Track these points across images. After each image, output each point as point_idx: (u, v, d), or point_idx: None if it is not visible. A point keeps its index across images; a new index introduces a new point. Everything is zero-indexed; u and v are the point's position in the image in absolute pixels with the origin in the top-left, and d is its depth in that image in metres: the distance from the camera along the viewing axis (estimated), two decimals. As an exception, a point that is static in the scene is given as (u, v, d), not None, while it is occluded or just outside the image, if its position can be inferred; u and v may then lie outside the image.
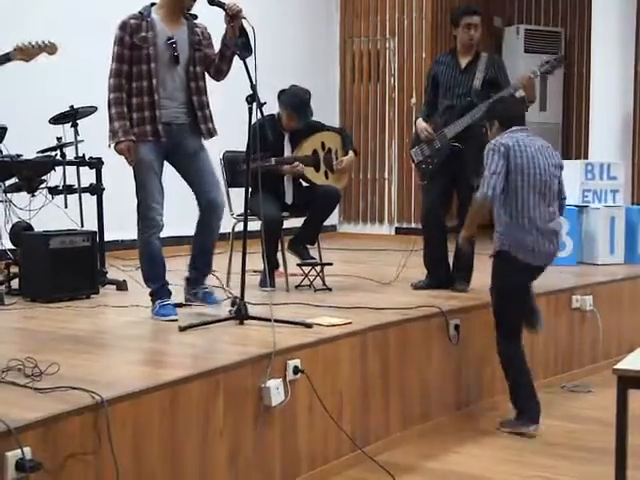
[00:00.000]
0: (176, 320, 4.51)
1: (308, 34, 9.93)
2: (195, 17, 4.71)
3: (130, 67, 4.51)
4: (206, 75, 4.72)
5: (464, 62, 5.71)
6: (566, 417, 5.03)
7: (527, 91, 5.71)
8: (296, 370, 3.84)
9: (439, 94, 5.77)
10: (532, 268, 4.78)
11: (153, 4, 4.63)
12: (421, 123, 5.77)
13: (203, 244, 4.75)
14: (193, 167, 4.63)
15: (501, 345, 4.82)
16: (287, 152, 5.92)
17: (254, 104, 4.32)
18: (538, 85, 5.89)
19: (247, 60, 4.35)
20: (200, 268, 4.79)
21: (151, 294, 4.74)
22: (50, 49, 3.91)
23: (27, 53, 3.87)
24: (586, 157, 8.97)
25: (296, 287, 5.77)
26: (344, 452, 4.16)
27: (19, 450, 2.62)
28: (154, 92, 4.50)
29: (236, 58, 4.56)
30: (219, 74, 4.71)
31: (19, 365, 3.33)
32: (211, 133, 4.69)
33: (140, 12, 4.58)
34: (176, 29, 4.59)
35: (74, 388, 3.03)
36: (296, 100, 5.85)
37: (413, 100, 9.85)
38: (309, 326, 4.29)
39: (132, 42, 4.50)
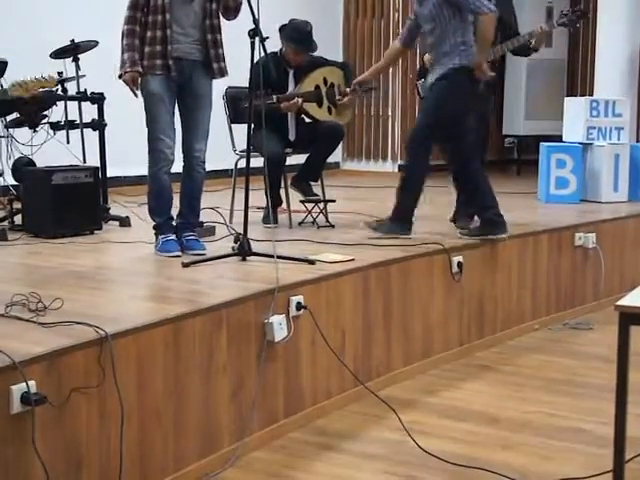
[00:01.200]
0: (179, 256, 4.51)
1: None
2: None
3: (146, 2, 4.46)
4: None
5: None
6: (568, 354, 5.06)
7: (537, 42, 5.72)
8: (299, 306, 3.85)
9: None
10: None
11: None
12: (428, 55, 5.72)
13: (188, 192, 4.72)
14: (192, 113, 4.60)
15: (464, 166, 5.10)
16: (291, 89, 5.87)
17: (256, 39, 4.26)
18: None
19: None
20: (185, 215, 4.76)
21: (155, 228, 4.74)
22: (48, 83, 3.90)
23: (26, 88, 3.87)
24: (591, 94, 8.89)
25: (299, 224, 5.77)
26: (347, 387, 4.19)
27: (24, 384, 2.63)
28: (167, 27, 4.46)
29: None
30: (227, 12, 4.62)
31: (23, 300, 3.34)
32: (222, 72, 4.65)
33: None
34: None
35: (78, 323, 3.04)
36: (298, 33, 5.78)
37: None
38: (312, 263, 4.29)
39: None
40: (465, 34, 5.02)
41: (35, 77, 3.88)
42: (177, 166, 4.65)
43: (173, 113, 4.60)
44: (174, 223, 4.74)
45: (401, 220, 5.17)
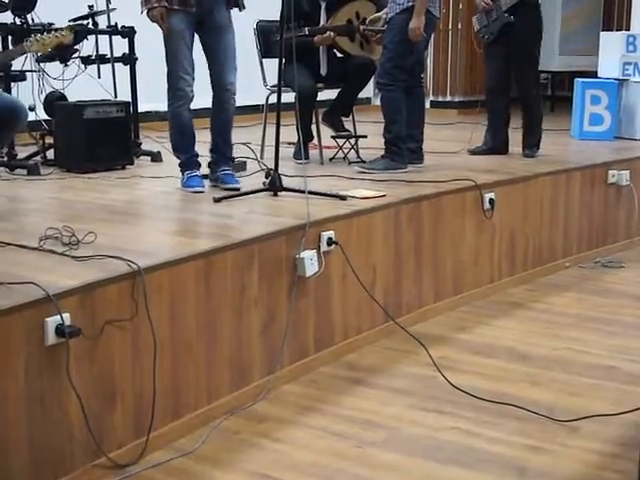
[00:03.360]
0: (202, 192, 4.53)
1: None
2: None
3: None
4: None
5: None
6: (599, 292, 5.04)
7: None
8: (330, 241, 3.85)
9: None
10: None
11: None
12: None
13: (220, 126, 4.71)
14: (217, 45, 4.55)
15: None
16: (323, 22, 5.80)
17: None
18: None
19: None
20: (220, 149, 4.76)
21: (180, 165, 4.74)
22: (65, 37, 3.88)
23: (42, 45, 3.85)
24: (628, 29, 8.69)
25: (330, 160, 5.74)
26: (377, 323, 4.20)
27: (58, 316, 2.66)
28: None
29: None
30: None
31: (56, 234, 3.36)
32: (240, 5, 4.59)
33: None
34: None
35: (111, 257, 3.06)
36: None
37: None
38: (343, 198, 4.27)
39: None
40: None
41: (53, 33, 3.88)
42: (200, 101, 4.63)
43: (192, 48, 4.55)
44: (203, 159, 4.73)
45: (395, 154, 5.23)
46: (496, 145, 6.09)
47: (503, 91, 6.01)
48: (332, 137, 5.82)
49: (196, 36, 4.58)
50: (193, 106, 4.61)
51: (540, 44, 5.94)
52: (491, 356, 4.01)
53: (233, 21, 4.62)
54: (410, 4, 5.07)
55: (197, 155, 4.73)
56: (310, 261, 3.70)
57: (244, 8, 4.62)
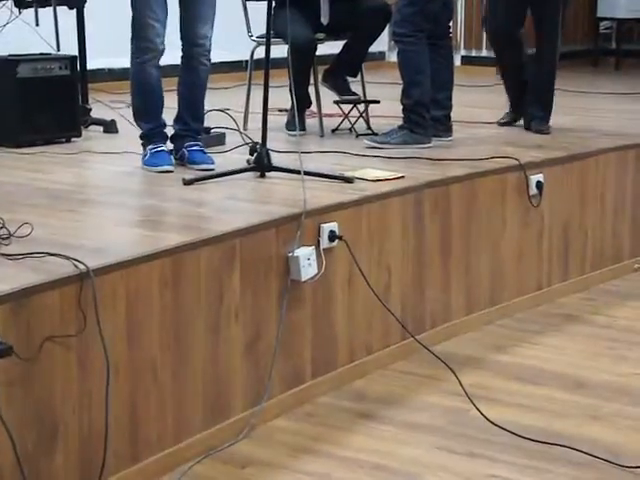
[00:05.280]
0: (171, 171, 4.55)
1: None
2: None
3: None
4: None
5: None
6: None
7: None
8: (332, 236, 3.85)
9: None
10: None
11: None
12: None
13: (188, 90, 4.74)
14: None
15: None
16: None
17: None
18: None
19: None
20: (186, 120, 4.76)
21: (142, 137, 4.76)
22: None
23: None
24: None
25: (333, 131, 5.76)
26: (392, 340, 4.22)
27: (-16, 330, 2.66)
28: None
29: None
30: None
31: (-19, 225, 3.37)
32: None
33: None
34: None
35: (52, 254, 3.06)
36: None
37: None
38: (349, 181, 4.28)
39: None
40: None
41: None
42: (169, 57, 4.63)
43: None
44: (170, 130, 4.74)
45: (416, 124, 5.24)
46: (516, 116, 6.08)
47: (512, 36, 5.93)
48: (335, 102, 5.82)
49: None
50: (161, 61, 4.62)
51: None
52: (538, 383, 4.02)
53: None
54: None
55: (164, 125, 4.75)
56: (307, 261, 3.70)
57: None
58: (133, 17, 4.56)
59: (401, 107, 5.32)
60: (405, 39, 5.25)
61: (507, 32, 5.92)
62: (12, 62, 5.29)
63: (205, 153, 4.73)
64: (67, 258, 3.01)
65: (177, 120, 4.78)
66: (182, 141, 4.75)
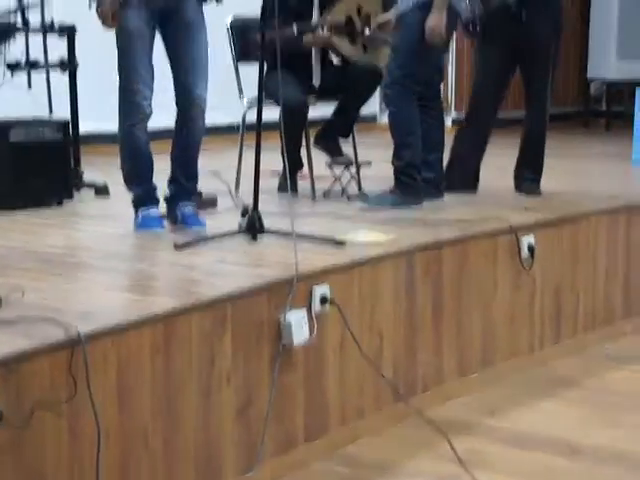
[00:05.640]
0: (161, 232, 4.58)
1: None
2: None
3: None
4: None
5: None
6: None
7: None
8: (324, 300, 3.85)
9: None
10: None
11: None
12: None
13: (183, 151, 4.76)
14: (187, 48, 4.61)
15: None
16: (315, 18, 5.84)
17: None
18: None
19: None
20: (180, 181, 4.79)
21: (133, 200, 4.77)
22: None
23: None
24: None
25: (324, 194, 5.78)
26: (384, 404, 4.20)
27: (-27, 397, 2.65)
28: None
29: None
30: None
31: (-28, 289, 3.36)
32: None
33: None
34: None
35: (43, 319, 3.05)
36: None
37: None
38: (341, 243, 4.28)
39: None
40: None
41: None
42: (157, 119, 4.67)
43: (151, 53, 4.59)
44: (166, 191, 4.77)
45: (407, 186, 5.27)
46: (461, 177, 5.92)
47: (490, 104, 5.92)
48: (327, 164, 5.84)
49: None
50: (150, 125, 4.64)
51: (559, 47, 5.87)
52: (532, 449, 4.00)
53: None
54: (429, 0, 5.13)
55: (155, 188, 4.77)
56: (298, 325, 3.70)
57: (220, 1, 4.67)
58: (120, 81, 4.58)
59: (392, 169, 5.35)
60: (396, 102, 5.29)
61: (491, 93, 5.89)
62: (5, 126, 5.33)
63: (197, 214, 4.75)
64: (58, 323, 3.00)
65: (171, 182, 4.81)
66: (176, 202, 4.77)
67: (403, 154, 5.30)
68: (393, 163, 5.35)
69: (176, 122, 4.71)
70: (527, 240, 4.90)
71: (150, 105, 4.59)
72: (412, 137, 5.29)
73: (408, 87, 5.24)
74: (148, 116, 4.61)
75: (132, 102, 4.57)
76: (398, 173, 5.32)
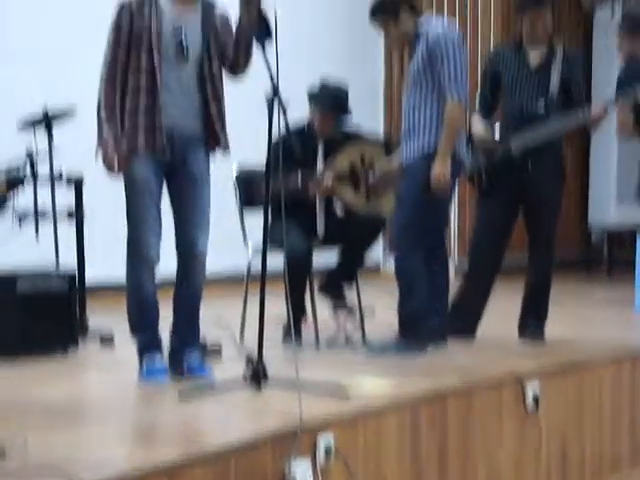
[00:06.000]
0: (165, 382, 4.57)
1: (344, 14, 9.96)
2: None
3: (127, 60, 4.53)
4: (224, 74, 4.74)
5: (535, 57, 5.77)
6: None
7: (592, 123, 5.74)
8: (329, 450, 3.83)
9: (502, 93, 5.91)
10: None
11: None
12: (478, 126, 5.85)
13: (185, 301, 4.78)
14: (191, 199, 4.67)
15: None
16: (319, 167, 5.92)
17: (275, 102, 4.31)
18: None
19: (266, 46, 4.33)
20: (182, 332, 4.80)
21: (138, 349, 4.76)
22: None
23: None
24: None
25: (327, 343, 5.78)
26: None
27: None
28: (153, 93, 4.51)
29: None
30: (236, 67, 4.69)
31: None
32: (225, 147, 4.72)
33: None
34: (187, 14, 4.60)
35: (47, 471, 3.04)
36: (329, 93, 5.91)
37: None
38: (345, 394, 4.26)
39: (130, 29, 4.52)
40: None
41: None
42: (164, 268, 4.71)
43: (160, 202, 4.65)
44: (169, 342, 4.79)
45: (412, 333, 5.29)
46: (463, 324, 5.94)
47: (491, 256, 5.96)
48: (331, 311, 5.85)
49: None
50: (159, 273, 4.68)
51: (562, 195, 5.96)
52: None
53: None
54: (433, 149, 5.25)
55: (160, 339, 4.77)
56: (303, 476, 3.67)
57: (228, 149, 4.74)
58: (129, 232, 4.61)
59: (397, 316, 5.37)
60: (401, 250, 5.33)
61: (492, 246, 5.92)
62: (12, 278, 5.37)
63: (203, 361, 4.76)
64: (62, 474, 2.99)
65: (173, 333, 4.81)
66: (180, 353, 4.76)
67: (408, 302, 5.33)
68: (398, 310, 5.37)
69: (177, 274, 4.74)
70: (532, 388, 4.89)
71: (158, 254, 4.62)
72: (417, 285, 5.32)
73: (414, 236, 5.29)
74: (156, 263, 4.63)
75: (140, 254, 4.59)
76: (403, 321, 5.34)
